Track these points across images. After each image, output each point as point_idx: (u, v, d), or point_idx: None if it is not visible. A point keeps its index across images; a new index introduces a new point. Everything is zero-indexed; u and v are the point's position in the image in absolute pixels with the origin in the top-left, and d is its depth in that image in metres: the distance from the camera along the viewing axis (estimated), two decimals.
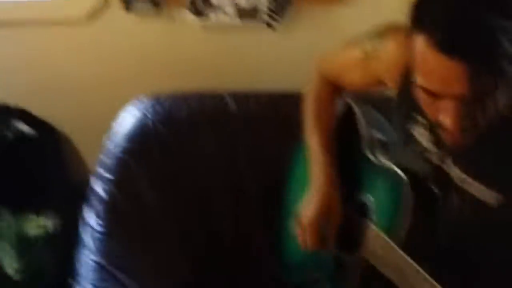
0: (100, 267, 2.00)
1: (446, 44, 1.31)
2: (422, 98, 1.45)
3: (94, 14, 2.51)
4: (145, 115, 2.23)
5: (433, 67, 1.36)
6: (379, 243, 1.63)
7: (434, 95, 1.40)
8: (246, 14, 2.51)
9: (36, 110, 2.61)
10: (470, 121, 1.40)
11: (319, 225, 1.82)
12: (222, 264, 2.15)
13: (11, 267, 2.45)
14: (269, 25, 2.52)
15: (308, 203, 1.85)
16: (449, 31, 1.34)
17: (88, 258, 2.02)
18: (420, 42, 1.36)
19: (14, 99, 2.61)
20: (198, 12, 2.50)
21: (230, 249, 2.17)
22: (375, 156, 1.80)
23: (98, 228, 2.08)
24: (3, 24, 2.55)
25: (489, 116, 1.40)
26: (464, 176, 1.58)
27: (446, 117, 1.38)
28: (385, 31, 1.71)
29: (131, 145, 2.18)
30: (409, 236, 1.58)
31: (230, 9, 2.51)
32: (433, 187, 1.63)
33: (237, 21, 2.52)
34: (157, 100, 2.27)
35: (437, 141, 1.62)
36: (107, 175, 2.15)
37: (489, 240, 1.54)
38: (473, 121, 1.40)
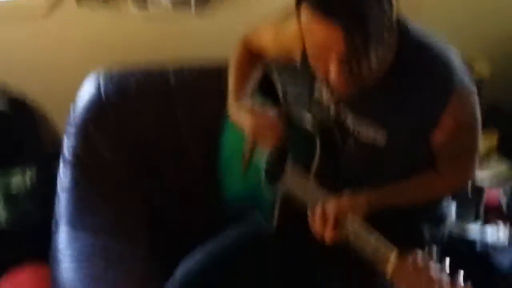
0: (70, 205, 1.87)
1: (322, 8, 1.25)
2: (312, 62, 1.39)
3: (51, 10, 2.33)
4: (98, 88, 2.02)
5: (315, 33, 1.30)
6: (296, 177, 1.56)
7: (320, 49, 1.32)
8: (179, 3, 2.38)
9: (15, 86, 2.43)
10: (350, 75, 1.32)
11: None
12: (171, 207, 2.03)
13: (2, 215, 2.29)
14: (196, 12, 2.40)
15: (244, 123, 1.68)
16: (336, 11, 1.25)
17: (62, 200, 1.89)
18: (304, 13, 1.29)
19: None
20: (139, 5, 2.34)
21: (178, 192, 2.03)
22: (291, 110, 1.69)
23: (68, 176, 1.93)
24: None
25: (366, 70, 1.32)
26: (356, 123, 1.53)
27: (331, 74, 1.32)
28: (290, 13, 1.51)
29: (89, 115, 1.99)
30: (319, 169, 1.52)
31: (166, 1, 2.36)
32: (335, 133, 1.57)
33: (170, 9, 2.39)
34: (109, 75, 2.06)
35: (335, 97, 1.56)
36: (72, 140, 1.98)
37: (378, 170, 1.54)
38: (352, 75, 1.32)
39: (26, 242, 2.23)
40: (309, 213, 1.44)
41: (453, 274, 1.14)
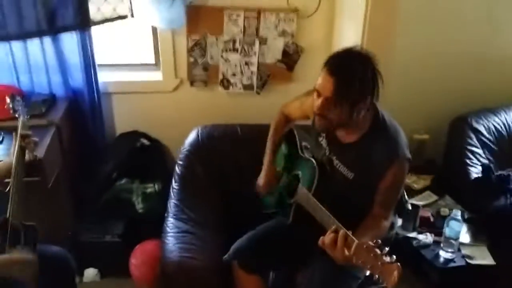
0: (175, 205, 2.03)
1: (330, 69, 1.42)
2: (314, 99, 1.50)
3: (176, 88, 2.53)
4: (197, 135, 2.24)
5: (321, 80, 1.45)
6: (304, 194, 1.62)
7: (317, 94, 1.47)
8: (247, 87, 2.53)
9: (151, 132, 2.60)
10: (326, 112, 1.46)
11: (268, 186, 1.85)
12: (236, 208, 2.11)
13: (140, 207, 2.41)
14: (257, 92, 2.55)
15: (261, 175, 1.88)
16: (334, 65, 1.43)
17: (171, 201, 2.05)
18: (322, 71, 1.45)
19: (140, 128, 2.59)
20: (224, 87, 2.52)
21: (239, 200, 2.08)
22: (303, 153, 1.79)
23: (176, 187, 2.10)
24: (128, 93, 2.54)
25: (336, 116, 1.47)
26: (338, 162, 1.63)
27: (316, 106, 1.47)
28: (309, 92, 1.69)
29: (191, 147, 2.19)
30: (316, 191, 1.59)
31: (240, 85, 2.52)
32: (327, 166, 1.66)
33: (242, 90, 2.53)
34: (204, 128, 2.28)
35: (329, 144, 1.66)
36: (180, 162, 2.17)
37: (349, 193, 1.58)
38: (327, 114, 1.47)
39: (152, 225, 2.22)
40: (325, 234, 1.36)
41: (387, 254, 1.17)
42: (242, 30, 2.41)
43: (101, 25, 2.27)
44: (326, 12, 2.43)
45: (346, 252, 1.26)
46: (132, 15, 2.28)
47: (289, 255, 1.77)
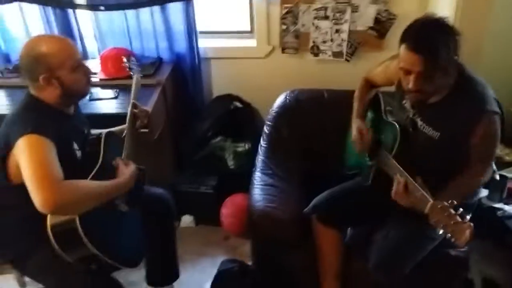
0: (263, 161, 2.15)
1: (413, 46, 1.42)
2: (401, 75, 1.52)
3: (268, 54, 2.62)
4: (285, 99, 2.32)
5: (406, 58, 1.45)
6: (384, 156, 1.66)
7: (406, 72, 1.47)
8: (337, 54, 2.54)
9: (244, 95, 2.72)
10: (420, 87, 1.47)
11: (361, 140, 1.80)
12: (317, 166, 2.17)
13: (231, 164, 2.57)
14: (347, 60, 2.54)
15: (353, 130, 1.85)
16: (415, 41, 1.42)
17: (259, 157, 2.18)
18: (402, 48, 1.45)
19: (234, 91, 2.72)
20: (314, 54, 2.55)
21: (321, 159, 2.18)
22: (387, 117, 1.81)
23: (264, 145, 2.22)
24: (224, 58, 2.67)
25: (430, 87, 1.48)
26: (423, 123, 1.62)
27: (410, 83, 1.47)
28: (393, 57, 1.73)
29: (279, 109, 2.29)
30: (398, 153, 1.62)
31: (329, 52, 2.54)
32: (410, 129, 1.66)
33: (332, 58, 2.55)
34: (293, 92, 2.34)
35: (413, 107, 1.66)
36: (269, 123, 2.27)
37: (432, 154, 1.58)
38: (421, 88, 1.47)
39: (241, 180, 2.29)
40: (394, 181, 1.49)
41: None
42: None
43: None
44: None
45: (421, 208, 1.34)
46: None
47: (367, 214, 1.83)
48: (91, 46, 2.68)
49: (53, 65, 1.48)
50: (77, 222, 1.41)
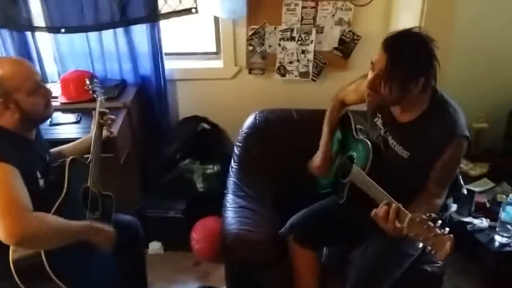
0: (234, 182, 2.12)
1: (384, 45, 1.43)
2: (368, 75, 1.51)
3: (235, 75, 2.62)
4: (255, 119, 2.29)
5: (375, 54, 1.46)
6: (357, 173, 1.63)
7: (372, 69, 1.48)
8: (303, 74, 2.56)
9: (211, 116, 2.70)
10: (379, 87, 1.46)
11: (324, 167, 1.84)
12: (290, 186, 2.14)
13: (200, 186, 2.52)
14: (313, 80, 2.57)
15: (317, 156, 1.87)
16: (387, 41, 1.44)
17: (230, 179, 2.14)
18: (377, 53, 1.46)
19: (201, 113, 2.69)
20: (281, 74, 2.56)
21: (293, 179, 2.11)
22: (358, 135, 1.80)
23: (235, 166, 2.19)
24: (191, 79, 2.65)
25: (388, 91, 1.45)
26: (394, 142, 1.62)
27: (368, 80, 1.49)
28: (363, 76, 1.66)
29: (248, 130, 2.27)
30: (371, 169, 1.60)
31: (296, 73, 2.55)
32: (381, 147, 1.66)
33: (298, 78, 2.57)
34: (262, 112, 2.32)
35: (384, 125, 1.65)
36: (239, 144, 2.25)
37: (402, 173, 1.56)
38: (380, 89, 1.46)
39: (211, 203, 2.32)
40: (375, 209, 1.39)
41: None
42: (300, 19, 2.46)
43: (168, 18, 2.40)
44: (383, 1, 2.43)
45: (398, 225, 1.29)
46: (197, 11, 2.38)
47: (343, 233, 1.80)
48: (51, 68, 2.58)
49: (9, 88, 1.40)
50: (43, 256, 1.32)
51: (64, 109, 2.30)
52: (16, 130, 1.47)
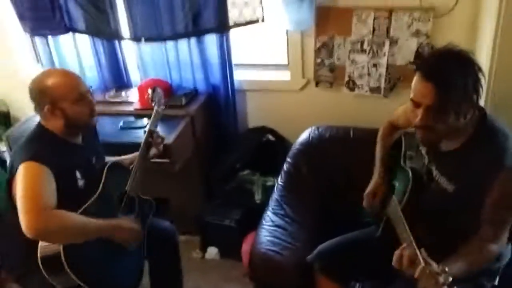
0: (276, 200, 2.08)
1: (424, 73, 1.26)
2: (410, 110, 1.36)
3: (303, 88, 2.56)
4: (310, 134, 2.24)
5: (416, 87, 1.30)
6: (394, 206, 1.41)
7: (415, 105, 1.31)
8: (374, 90, 2.40)
9: (278, 128, 2.68)
10: (431, 122, 1.30)
11: (371, 196, 1.70)
12: (336, 207, 2.06)
13: (258, 198, 2.51)
14: (385, 96, 2.40)
15: (371, 184, 1.73)
16: (428, 68, 1.26)
17: (274, 196, 2.10)
18: (415, 77, 1.30)
19: (269, 123, 2.69)
20: (350, 88, 2.44)
21: (340, 201, 2.05)
22: (405, 163, 1.63)
23: (281, 183, 2.14)
24: (260, 90, 2.65)
25: (443, 125, 1.29)
26: (437, 173, 1.46)
27: (417, 118, 1.31)
28: None
29: (300, 146, 2.22)
30: (408, 204, 1.46)
31: (366, 87, 2.41)
32: (424, 178, 1.51)
33: (368, 93, 2.42)
34: (318, 128, 2.27)
35: (428, 153, 1.50)
36: (289, 160, 2.21)
37: (446, 210, 1.42)
38: (433, 124, 1.30)
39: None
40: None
41: None
42: (372, 30, 2.29)
43: (235, 28, 2.44)
44: (468, 8, 2.14)
45: (412, 271, 1.16)
46: (263, 20, 2.38)
47: (376, 269, 1.65)
48: (135, 76, 2.81)
49: (56, 97, 1.57)
50: (61, 251, 1.45)
51: (137, 114, 2.49)
52: (62, 134, 1.64)
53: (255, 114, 2.74)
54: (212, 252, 2.59)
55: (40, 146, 1.56)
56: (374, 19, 2.27)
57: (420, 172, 1.53)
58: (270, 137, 2.63)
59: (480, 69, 1.28)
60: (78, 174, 1.65)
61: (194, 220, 2.55)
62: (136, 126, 2.40)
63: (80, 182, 1.65)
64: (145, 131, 1.91)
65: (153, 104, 2.04)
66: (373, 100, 2.44)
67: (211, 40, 2.50)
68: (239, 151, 2.61)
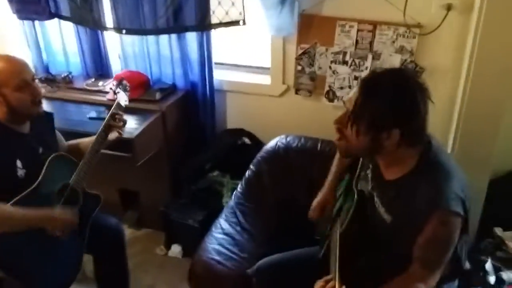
0: (231, 207, 2.03)
1: (361, 84, 1.23)
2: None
3: (282, 94, 2.49)
4: (278, 142, 2.18)
5: (351, 93, 1.27)
6: (336, 229, 1.45)
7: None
8: None
9: (256, 132, 2.62)
10: (344, 129, 1.28)
11: (319, 210, 1.65)
12: (291, 222, 1.93)
13: (226, 201, 2.36)
14: None
15: (319, 195, 1.68)
16: (365, 81, 1.23)
17: (230, 202, 2.06)
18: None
19: (248, 126, 2.63)
20: (330, 99, 2.36)
21: (298, 215, 1.81)
22: (356, 184, 1.54)
23: (240, 190, 2.10)
24: (240, 92, 2.59)
25: (354, 136, 1.24)
26: (378, 201, 1.39)
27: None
28: None
29: (265, 154, 2.16)
30: (349, 227, 1.40)
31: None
32: (368, 204, 1.43)
33: None
34: (287, 137, 2.20)
35: (372, 178, 1.44)
36: (252, 167, 2.16)
37: (386, 238, 1.36)
38: (346, 132, 1.27)
39: None
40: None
41: None
42: (354, 42, 2.21)
43: (215, 28, 2.37)
44: (455, 28, 2.03)
45: None
46: (244, 23, 2.30)
47: None
48: (116, 66, 2.77)
49: None
50: None
51: (109, 105, 2.43)
52: (5, 121, 1.60)
53: (234, 115, 2.68)
54: (176, 250, 2.55)
55: None
56: (358, 31, 2.18)
57: (366, 196, 1.46)
58: (246, 140, 2.58)
59: (418, 102, 1.18)
60: (19, 164, 1.61)
61: (160, 216, 2.51)
62: (104, 117, 2.34)
63: (21, 172, 1.61)
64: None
65: (115, 96, 2.00)
66: None
67: (191, 37, 2.45)
68: (211, 151, 2.55)
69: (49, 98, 2.57)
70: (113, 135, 1.86)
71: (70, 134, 2.06)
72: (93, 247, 1.81)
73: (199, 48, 2.44)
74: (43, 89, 2.51)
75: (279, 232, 1.94)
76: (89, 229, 1.77)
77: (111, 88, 2.04)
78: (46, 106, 2.38)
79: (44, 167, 1.64)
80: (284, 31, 2.25)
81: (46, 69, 2.88)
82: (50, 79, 2.73)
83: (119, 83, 2.07)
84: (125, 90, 2.03)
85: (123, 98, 1.97)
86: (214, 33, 2.44)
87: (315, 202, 1.68)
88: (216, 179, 2.50)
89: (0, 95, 1.54)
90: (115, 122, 1.85)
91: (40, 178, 1.61)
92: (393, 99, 1.17)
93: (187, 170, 2.54)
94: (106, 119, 1.85)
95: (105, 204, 2.09)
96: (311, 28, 2.26)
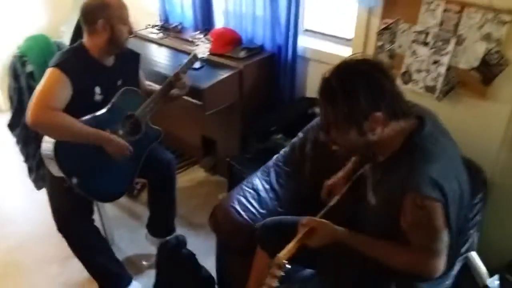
0: (268, 166, 2.04)
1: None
2: None
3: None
4: None
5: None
6: None
7: None
8: (429, 89, 2.15)
9: None
10: (335, 139, 1.32)
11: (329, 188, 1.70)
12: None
13: None
14: (438, 98, 2.12)
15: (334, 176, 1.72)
16: (320, 89, 1.29)
17: (270, 161, 2.08)
18: None
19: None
20: (405, 81, 2.21)
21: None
22: None
23: (282, 152, 2.11)
24: (322, 62, 2.55)
25: (345, 139, 1.28)
26: (369, 185, 1.42)
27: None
28: None
29: (315, 123, 2.14)
30: (339, 204, 1.52)
31: (421, 84, 2.17)
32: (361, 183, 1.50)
33: (422, 91, 2.17)
34: None
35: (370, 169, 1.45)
36: (300, 134, 2.14)
37: (373, 222, 1.40)
38: (336, 140, 1.32)
39: None
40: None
41: None
42: (439, 23, 2.03)
43: None
44: None
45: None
46: None
47: (306, 257, 1.56)
48: (220, 22, 3.00)
49: (112, 15, 1.81)
50: (53, 144, 1.79)
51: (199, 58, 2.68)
52: (97, 54, 1.90)
53: (314, 84, 2.66)
54: None
55: (71, 59, 1.84)
56: (444, 11, 2.00)
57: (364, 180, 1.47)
58: (317, 110, 2.57)
59: (381, 81, 1.19)
60: (97, 90, 1.93)
61: (226, 166, 2.73)
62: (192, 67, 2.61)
63: (98, 97, 1.94)
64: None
65: (194, 48, 2.21)
66: (423, 100, 2.04)
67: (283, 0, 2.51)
68: (281, 115, 2.63)
69: (158, 43, 2.95)
70: (175, 91, 2.08)
71: (158, 75, 2.40)
72: (147, 174, 2.12)
73: (287, 12, 2.50)
74: (155, 35, 2.92)
75: (305, 202, 1.91)
76: (145, 157, 2.06)
77: (195, 44, 2.23)
78: (151, 48, 2.77)
79: (116, 95, 1.95)
80: (371, 1, 2.18)
81: (167, 18, 3.26)
82: (164, 27, 3.11)
83: (194, 56, 2.19)
84: (206, 45, 2.22)
85: (196, 53, 2.17)
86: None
87: (326, 182, 1.71)
88: (278, 141, 2.57)
89: (109, 24, 1.84)
90: (178, 81, 2.05)
91: (110, 104, 1.93)
92: (354, 88, 1.18)
93: (255, 128, 2.69)
94: (171, 76, 2.05)
95: (188, 146, 2.37)
96: (397, 2, 2.14)
